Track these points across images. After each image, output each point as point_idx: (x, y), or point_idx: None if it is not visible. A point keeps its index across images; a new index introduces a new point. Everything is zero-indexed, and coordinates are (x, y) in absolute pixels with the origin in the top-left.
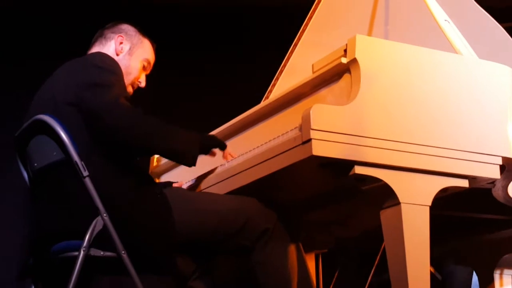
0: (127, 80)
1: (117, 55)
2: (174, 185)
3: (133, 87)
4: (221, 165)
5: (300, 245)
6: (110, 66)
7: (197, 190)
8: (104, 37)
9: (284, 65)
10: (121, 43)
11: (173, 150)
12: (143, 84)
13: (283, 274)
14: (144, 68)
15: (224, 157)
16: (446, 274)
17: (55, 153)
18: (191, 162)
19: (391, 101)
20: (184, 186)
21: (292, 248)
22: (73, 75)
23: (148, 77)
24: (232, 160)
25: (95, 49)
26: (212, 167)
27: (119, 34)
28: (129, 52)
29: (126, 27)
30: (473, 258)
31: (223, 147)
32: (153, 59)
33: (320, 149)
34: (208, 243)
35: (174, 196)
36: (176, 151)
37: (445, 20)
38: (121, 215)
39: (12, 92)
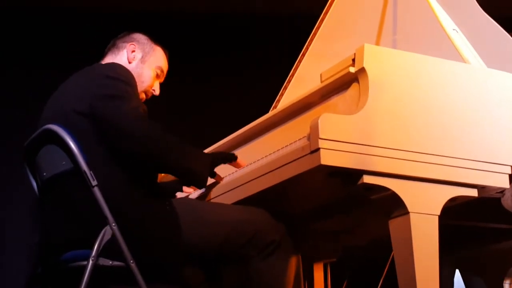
0: (141, 87)
1: (130, 63)
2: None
3: (146, 95)
4: (229, 174)
5: (300, 257)
6: (124, 77)
7: (206, 199)
8: (116, 47)
9: (292, 74)
10: (133, 51)
11: (188, 170)
12: (157, 92)
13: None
14: (157, 76)
15: (238, 166)
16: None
17: (64, 162)
18: (202, 184)
19: (399, 110)
20: (193, 196)
21: (293, 261)
22: (86, 85)
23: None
24: (241, 169)
25: (107, 59)
26: (222, 176)
27: (131, 43)
28: (141, 60)
29: (138, 35)
30: (482, 267)
31: (233, 158)
32: (166, 66)
33: (328, 158)
34: (216, 254)
35: (184, 206)
36: (190, 171)
37: (453, 29)
38: (130, 224)
39: (24, 102)
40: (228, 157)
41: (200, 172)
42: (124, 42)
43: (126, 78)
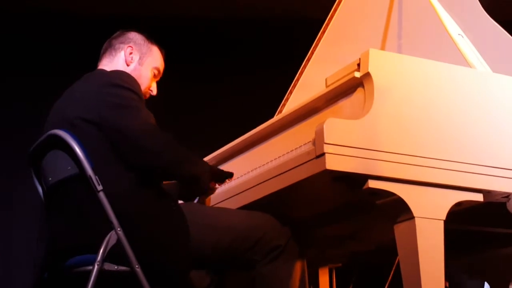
0: None
1: (128, 65)
2: None
3: (145, 96)
4: (234, 179)
5: (305, 262)
6: (131, 86)
7: (211, 204)
8: (114, 48)
9: (298, 79)
10: (130, 53)
11: (196, 179)
12: (154, 92)
13: None
14: (154, 76)
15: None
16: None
17: (69, 167)
18: (205, 192)
19: (404, 115)
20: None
21: (298, 266)
22: (94, 93)
23: (160, 88)
24: (246, 174)
25: (105, 61)
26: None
27: (128, 45)
28: (139, 62)
29: (134, 35)
30: (488, 272)
31: (228, 177)
32: (163, 66)
33: (333, 163)
34: (221, 258)
35: (190, 211)
36: (199, 180)
37: (459, 34)
38: (135, 229)
39: (25, 106)
40: (224, 176)
41: (205, 181)
42: (121, 43)
43: (133, 87)
